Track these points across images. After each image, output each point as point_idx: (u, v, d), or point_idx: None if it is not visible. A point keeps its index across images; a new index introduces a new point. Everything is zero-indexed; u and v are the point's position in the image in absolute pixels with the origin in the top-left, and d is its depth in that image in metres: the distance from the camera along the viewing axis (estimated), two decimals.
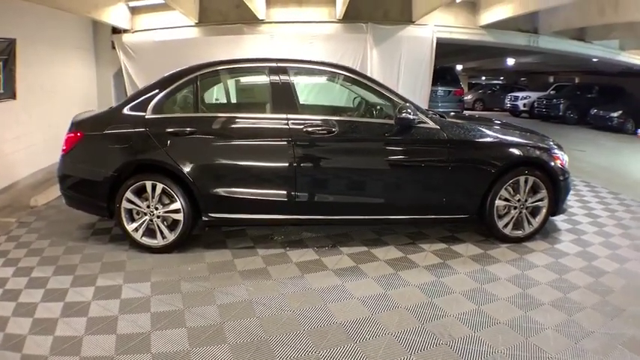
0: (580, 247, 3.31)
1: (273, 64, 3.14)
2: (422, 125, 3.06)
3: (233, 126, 3.08)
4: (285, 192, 3.01)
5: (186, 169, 2.95)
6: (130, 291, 2.56)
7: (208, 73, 3.24)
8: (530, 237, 3.37)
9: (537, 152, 3.27)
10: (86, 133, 3.12)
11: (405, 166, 3.13)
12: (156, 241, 3.08)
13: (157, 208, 3.03)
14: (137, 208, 3.04)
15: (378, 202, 3.15)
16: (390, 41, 8.51)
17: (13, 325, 2.21)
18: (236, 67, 3.44)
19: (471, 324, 2.24)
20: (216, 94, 3.69)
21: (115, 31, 7.34)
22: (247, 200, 3.02)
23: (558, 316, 2.33)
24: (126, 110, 3.12)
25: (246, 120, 3.14)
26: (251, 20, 7.78)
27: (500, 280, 2.75)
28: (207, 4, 7.55)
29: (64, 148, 3.17)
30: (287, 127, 2.94)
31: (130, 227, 3.06)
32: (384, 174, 3.13)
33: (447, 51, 10.66)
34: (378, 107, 3.49)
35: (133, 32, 7.36)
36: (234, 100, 3.72)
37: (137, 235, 3.07)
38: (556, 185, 3.29)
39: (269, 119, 3.07)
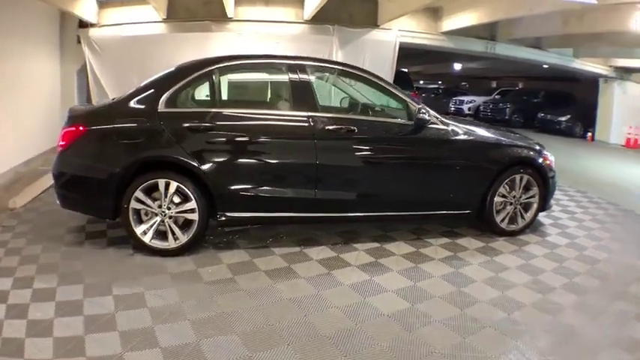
0: (568, 239, 3.76)
1: (292, 62, 3.19)
2: (433, 126, 3.30)
3: (254, 123, 3.06)
4: (305, 190, 3.06)
5: (204, 166, 2.88)
6: (155, 299, 2.42)
7: (225, 68, 3.20)
8: (522, 231, 3.76)
9: (531, 153, 3.68)
10: (90, 128, 2.94)
11: (419, 164, 3.34)
12: (167, 244, 2.95)
13: (169, 208, 2.90)
14: (147, 208, 2.90)
15: (394, 199, 3.32)
16: (355, 44, 8.93)
17: (32, 348, 1.95)
18: (253, 63, 3.42)
19: (503, 308, 2.48)
20: (232, 89, 3.64)
21: (82, 25, 6.98)
22: (267, 198, 3.01)
23: (572, 298, 2.66)
24: (134, 103, 2.98)
25: (268, 117, 3.14)
26: (219, 18, 7.79)
27: (512, 269, 3.05)
28: (176, 0, 7.43)
29: (62, 143, 2.98)
30: (310, 125, 3.00)
31: (139, 229, 2.90)
32: (400, 172, 3.31)
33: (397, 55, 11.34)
34: (377, 108, 3.69)
35: (99, 27, 7.05)
36: (251, 96, 3.69)
37: (146, 238, 2.92)
38: (545, 183, 3.72)
39: (291, 117, 3.08)
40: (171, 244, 2.96)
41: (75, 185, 3.04)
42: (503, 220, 3.65)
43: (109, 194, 2.89)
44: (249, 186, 3.00)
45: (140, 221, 2.95)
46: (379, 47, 9.26)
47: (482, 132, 3.63)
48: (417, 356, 1.98)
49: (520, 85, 19.97)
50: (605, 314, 2.48)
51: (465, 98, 18.29)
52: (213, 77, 3.12)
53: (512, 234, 3.71)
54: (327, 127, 3.03)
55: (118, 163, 2.87)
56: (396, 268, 2.95)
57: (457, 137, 3.37)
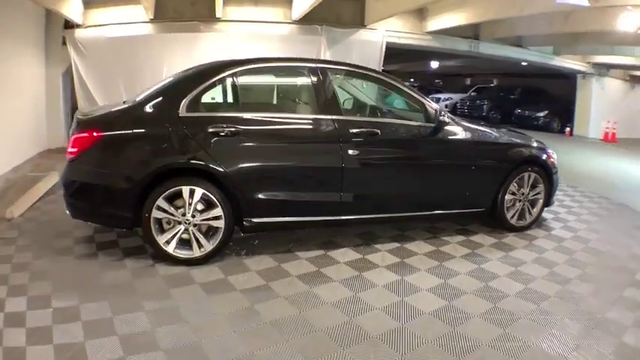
0: (571, 232, 4.05)
1: (314, 65, 3.28)
2: (451, 127, 3.48)
3: (281, 127, 3.12)
4: (331, 193, 3.15)
5: (231, 171, 2.91)
6: (191, 312, 2.39)
7: (247, 70, 3.21)
8: (529, 226, 4.01)
9: (538, 151, 3.94)
10: (106, 133, 2.88)
11: (438, 165, 3.51)
12: (191, 252, 2.95)
13: (193, 216, 2.91)
14: (170, 217, 2.89)
15: (416, 199, 3.48)
16: (343, 44, 9.14)
17: None
18: (274, 66, 3.47)
19: (531, 299, 2.68)
20: (254, 93, 3.67)
21: (67, 26, 6.85)
22: (293, 202, 3.09)
23: (588, 287, 2.91)
24: (152, 107, 2.96)
25: (294, 120, 3.21)
26: (207, 18, 7.80)
27: (528, 263, 3.27)
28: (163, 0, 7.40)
29: (74, 150, 2.91)
30: (335, 128, 3.10)
31: (161, 239, 2.90)
32: (420, 172, 3.47)
33: None
34: (396, 110, 3.85)
35: (85, 27, 6.93)
36: (274, 100, 3.72)
37: (169, 248, 2.92)
38: (550, 180, 3.98)
39: (317, 120, 3.16)
40: (195, 252, 2.95)
41: (89, 194, 2.98)
42: (513, 217, 3.88)
43: (128, 203, 2.86)
44: (276, 190, 3.06)
45: (161, 230, 2.92)
46: (366, 47, 9.49)
47: (493, 132, 3.84)
48: (465, 350, 2.13)
49: (494, 82, 20.63)
50: (622, 300, 2.73)
51: (442, 96, 18.81)
52: (235, 80, 3.13)
53: (521, 229, 3.95)
54: (351, 130, 3.13)
55: (141, 171, 2.83)
56: (422, 267, 3.11)
57: (472, 138, 3.57)
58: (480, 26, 10.10)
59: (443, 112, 3.38)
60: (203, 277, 2.82)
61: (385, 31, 9.58)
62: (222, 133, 2.92)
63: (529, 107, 14.62)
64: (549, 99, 15.31)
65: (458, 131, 3.52)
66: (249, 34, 8.38)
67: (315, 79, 3.21)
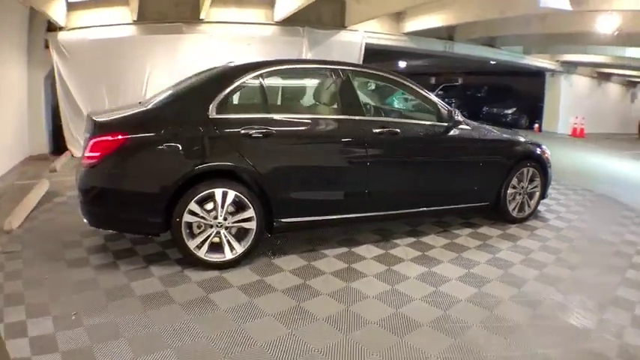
0: (565, 222, 4.47)
1: (337, 67, 3.44)
2: (462, 127, 3.78)
3: (309, 127, 3.25)
4: (357, 191, 3.34)
5: (263, 172, 3.01)
6: (244, 317, 2.43)
7: (272, 72, 3.30)
8: (528, 217, 4.39)
9: (535, 147, 4.32)
10: (134, 136, 2.86)
11: (452, 162, 3.80)
12: (222, 256, 3.00)
13: (225, 219, 2.97)
14: (201, 220, 2.93)
15: (432, 195, 3.75)
16: (324, 45, 9.45)
17: None
18: (300, 68, 3.61)
19: (549, 283, 3.00)
20: (280, 94, 3.76)
21: (50, 28, 6.73)
22: (321, 201, 3.25)
23: (594, 270, 3.28)
24: (180, 108, 3.00)
25: (321, 121, 3.35)
26: (190, 19, 7.83)
27: (536, 251, 3.61)
28: (146, 1, 7.38)
29: (94, 155, 2.84)
30: (360, 128, 3.29)
31: (192, 244, 2.93)
32: (436, 169, 3.73)
33: None
34: (412, 110, 4.08)
35: (68, 30, 6.82)
36: (300, 101, 3.81)
37: (201, 252, 2.95)
38: (546, 174, 4.38)
39: (343, 121, 3.32)
40: (227, 255, 3.01)
41: (114, 201, 2.93)
42: (514, 209, 4.24)
43: (158, 209, 2.86)
44: (306, 190, 3.20)
45: (191, 235, 2.95)
46: (346, 48, 9.83)
47: (496, 131, 4.17)
48: (508, 330, 2.40)
49: (460, 81, 21.47)
50: (626, 281, 3.12)
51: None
52: (262, 81, 3.21)
53: (521, 221, 4.32)
54: (374, 130, 3.34)
55: (173, 174, 2.84)
56: (444, 258, 3.36)
57: (480, 136, 3.89)
58: (456, 27, 10.62)
59: (457, 112, 3.65)
60: (239, 280, 2.89)
61: (364, 32, 9.94)
62: (255, 135, 3.00)
63: (497, 105, 15.41)
64: (516, 96, 16.25)
65: (468, 129, 3.82)
66: (232, 35, 8.50)
67: (338, 80, 3.38)
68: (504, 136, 4.24)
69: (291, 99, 3.89)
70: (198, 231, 2.99)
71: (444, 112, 3.71)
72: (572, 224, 4.41)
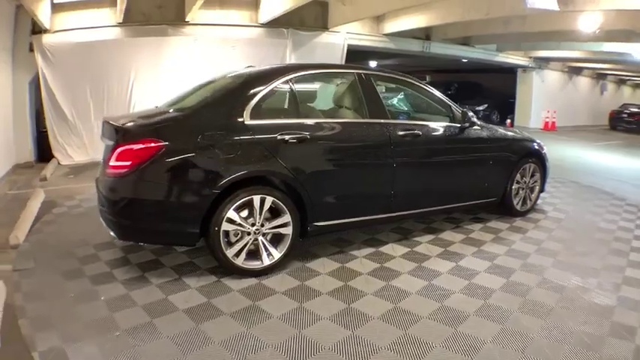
0: (563, 213, 4.93)
1: (360, 71, 3.64)
2: (474, 127, 4.11)
3: (341, 131, 3.42)
4: (384, 192, 3.58)
5: (300, 177, 3.14)
6: (302, 322, 2.54)
7: (301, 77, 3.42)
8: (529, 210, 4.80)
9: (534, 144, 4.73)
10: (171, 143, 2.85)
11: (467, 161, 4.12)
12: (259, 263, 3.09)
13: (262, 225, 3.07)
14: (238, 228, 2.99)
15: (449, 193, 4.06)
16: (307, 46, 9.76)
17: None
18: (324, 72, 3.75)
19: (565, 269, 3.37)
20: (310, 99, 3.85)
21: (35, 31, 6.64)
22: (352, 204, 3.46)
23: (600, 255, 3.70)
24: (214, 115, 3.05)
25: (352, 125, 3.53)
26: (174, 21, 7.88)
27: (545, 241, 4.00)
28: (130, 3, 7.38)
29: (125, 164, 2.82)
30: (387, 131, 3.53)
31: (230, 252, 3.00)
32: (454, 168, 4.04)
33: None
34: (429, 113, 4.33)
35: (52, 32, 6.72)
36: (329, 105, 3.93)
37: (239, 261, 3.03)
38: (544, 169, 4.79)
39: (371, 124, 3.52)
40: (264, 262, 3.10)
41: (148, 212, 2.91)
42: (518, 203, 4.63)
43: (197, 218, 2.89)
44: (339, 192, 3.38)
45: (229, 243, 3.01)
46: (329, 49, 10.16)
47: (501, 130, 4.53)
48: (543, 313, 2.71)
49: (427, 79, 22.16)
50: (635, 262, 3.55)
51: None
52: (291, 86, 3.32)
53: (523, 214, 4.73)
54: (399, 133, 3.59)
55: (213, 183, 2.88)
56: (466, 252, 3.67)
57: (489, 135, 4.25)
58: (433, 27, 11.09)
59: (471, 114, 3.98)
60: (281, 286, 2.99)
61: (346, 33, 10.25)
62: (290, 140, 3.12)
63: (469, 102, 16.14)
64: (486, 93, 17.03)
65: (478, 129, 4.16)
66: (217, 37, 8.61)
67: (363, 84, 3.59)
68: (509, 134, 4.62)
69: (319, 103, 4.00)
70: (235, 239, 3.05)
71: (458, 113, 4.02)
72: (570, 215, 4.87)
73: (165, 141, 2.84)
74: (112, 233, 3.08)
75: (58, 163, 7.12)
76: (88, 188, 5.67)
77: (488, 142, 4.22)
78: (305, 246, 3.64)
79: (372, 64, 19.06)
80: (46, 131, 7.12)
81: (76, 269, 3.24)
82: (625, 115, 17.41)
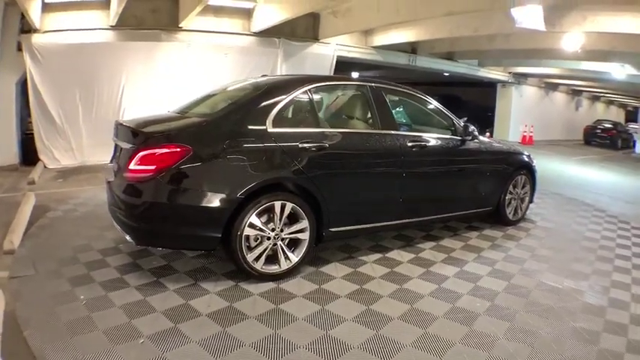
0: (551, 223, 5.38)
1: (372, 84, 3.92)
2: (474, 139, 4.47)
3: (358, 141, 3.67)
4: (394, 199, 3.85)
5: (318, 184, 3.34)
6: (328, 324, 2.70)
7: (317, 87, 3.66)
8: (520, 220, 5.19)
9: (526, 157, 5.13)
10: (197, 148, 2.95)
11: (468, 172, 4.47)
12: (277, 267, 3.25)
13: (281, 230, 3.24)
14: (259, 233, 3.13)
15: (451, 201, 4.38)
16: (298, 56, 10.11)
17: None
18: (339, 84, 4.01)
19: (562, 273, 3.72)
20: (328, 109, 4.09)
21: (24, 31, 6.58)
22: (365, 211, 3.71)
23: (588, 261, 4.11)
24: (236, 121, 3.19)
25: (367, 135, 3.77)
26: (168, 27, 8.01)
27: (538, 249, 4.39)
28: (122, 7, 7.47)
29: (147, 168, 2.90)
30: (397, 142, 3.82)
31: (251, 257, 3.13)
32: (456, 179, 4.38)
33: None
34: (433, 125, 4.63)
35: (42, 32, 6.68)
36: (343, 116, 4.17)
37: (258, 265, 3.16)
38: (534, 180, 5.21)
39: (384, 135, 3.78)
40: (282, 266, 3.26)
41: (170, 217, 2.98)
42: (510, 213, 5.01)
43: (220, 223, 2.99)
44: (353, 200, 3.61)
45: (249, 248, 3.13)
46: (319, 60, 10.53)
47: (497, 143, 4.91)
48: (544, 310, 3.04)
49: None
50: (621, 267, 3.95)
51: None
52: (310, 96, 3.53)
53: (515, 223, 5.11)
54: (408, 144, 3.89)
55: (240, 188, 2.99)
56: (467, 258, 3.99)
57: (487, 148, 4.62)
58: (420, 42, 11.61)
59: (472, 127, 4.32)
60: (299, 290, 3.17)
61: (336, 44, 10.62)
62: (312, 148, 3.34)
63: None
64: (465, 106, 17.76)
65: (477, 142, 4.51)
66: (210, 45, 8.78)
67: (376, 97, 3.87)
68: (504, 147, 5.01)
69: (335, 114, 4.24)
70: (255, 243, 3.17)
71: (459, 126, 4.38)
72: (557, 225, 5.31)
73: (190, 146, 2.94)
74: (127, 237, 3.15)
75: (45, 167, 7.07)
76: (80, 192, 5.75)
77: (487, 154, 4.60)
78: (314, 252, 3.78)
79: (354, 75, 19.60)
80: (31, 134, 7.05)
81: (83, 275, 3.23)
82: (599, 131, 18.54)
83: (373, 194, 3.75)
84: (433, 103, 4.42)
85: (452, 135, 4.38)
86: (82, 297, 2.87)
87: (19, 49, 6.75)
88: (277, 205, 3.18)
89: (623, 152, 18.31)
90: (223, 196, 2.99)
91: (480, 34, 8.44)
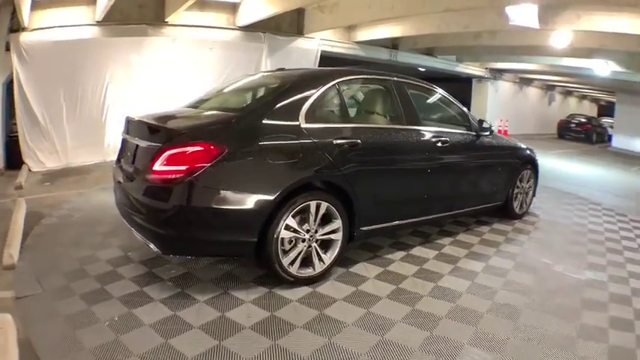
0: (553, 216, 5.61)
1: (396, 78, 3.92)
2: (488, 135, 4.59)
3: (390, 137, 3.66)
4: (420, 195, 3.90)
5: (352, 182, 3.26)
6: (384, 329, 2.66)
7: (345, 81, 3.60)
8: (525, 213, 5.39)
9: (530, 152, 5.32)
10: (232, 146, 2.78)
11: (482, 167, 4.59)
12: (311, 270, 3.14)
13: (316, 231, 3.13)
14: (294, 235, 3.00)
15: (468, 196, 4.49)
16: (283, 51, 10.13)
17: None
18: (367, 79, 3.93)
19: (572, 264, 3.92)
20: (352, 104, 4.04)
21: (13, 29, 6.34)
22: (394, 208, 3.72)
23: (602, 248, 4.34)
24: (271, 117, 3.03)
25: (397, 131, 3.75)
26: (154, 21, 7.82)
27: (549, 242, 4.59)
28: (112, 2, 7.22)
29: (177, 169, 2.68)
30: (423, 137, 3.86)
31: (286, 261, 3.00)
32: (472, 173, 4.48)
33: None
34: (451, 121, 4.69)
35: (30, 31, 6.38)
36: (374, 111, 4.08)
37: (293, 269, 3.04)
38: (537, 174, 5.42)
39: (411, 131, 3.79)
40: (316, 269, 3.15)
41: (202, 222, 2.77)
42: (517, 207, 5.18)
43: (256, 226, 2.83)
44: (384, 197, 3.60)
45: (283, 251, 2.98)
46: (303, 55, 10.54)
47: (505, 139, 5.06)
48: (560, 306, 3.18)
49: None
50: (611, 250, 4.24)
51: None
52: (338, 90, 3.46)
53: (520, 217, 5.30)
54: (432, 139, 3.94)
55: (278, 187, 2.85)
56: (488, 253, 4.11)
57: (499, 143, 4.78)
58: (402, 37, 11.76)
59: (487, 124, 4.42)
60: (337, 293, 3.08)
61: (320, 39, 10.63)
62: (346, 145, 3.26)
63: None
64: None
65: (490, 138, 4.64)
66: (195, 39, 8.67)
67: (400, 92, 3.87)
68: (511, 142, 5.19)
69: (362, 108, 4.19)
70: (289, 247, 3.03)
71: (474, 121, 4.49)
72: (560, 218, 5.59)
73: (225, 143, 2.77)
74: (151, 246, 2.89)
75: (29, 170, 6.74)
76: (71, 196, 5.47)
77: (499, 149, 4.75)
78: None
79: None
80: (16, 136, 6.75)
81: (97, 290, 2.95)
82: (573, 125, 19.39)
83: (402, 191, 3.77)
84: (449, 98, 4.50)
85: (467, 130, 4.47)
86: (115, 318, 2.60)
87: (7, 49, 6.47)
88: (313, 205, 3.07)
89: (599, 146, 19.27)
90: (260, 197, 2.83)
91: (469, 31, 8.63)
